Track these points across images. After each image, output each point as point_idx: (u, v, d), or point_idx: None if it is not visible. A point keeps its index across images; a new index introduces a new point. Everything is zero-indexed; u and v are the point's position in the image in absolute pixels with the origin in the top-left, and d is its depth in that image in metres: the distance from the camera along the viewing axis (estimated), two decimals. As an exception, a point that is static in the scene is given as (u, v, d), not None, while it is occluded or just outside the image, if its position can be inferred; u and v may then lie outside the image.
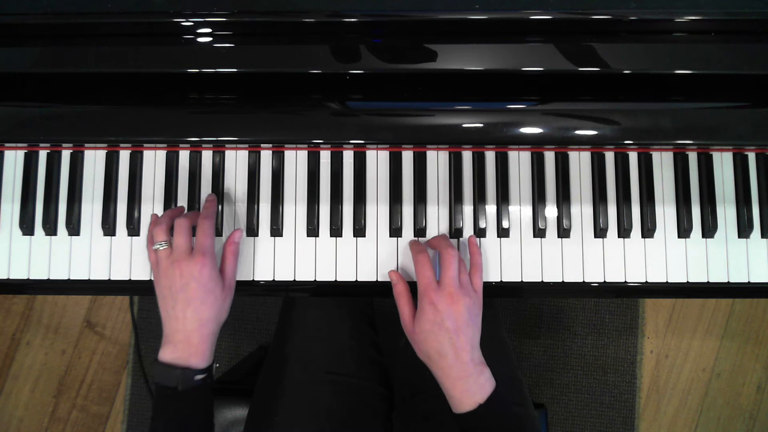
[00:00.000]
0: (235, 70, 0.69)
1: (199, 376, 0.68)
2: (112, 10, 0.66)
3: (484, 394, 0.66)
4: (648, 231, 0.80)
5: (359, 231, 0.80)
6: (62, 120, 0.73)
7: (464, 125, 0.72)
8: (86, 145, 0.81)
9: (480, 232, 0.80)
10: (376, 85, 0.73)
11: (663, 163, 0.81)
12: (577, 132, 0.72)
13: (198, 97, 0.73)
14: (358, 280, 0.80)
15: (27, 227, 0.80)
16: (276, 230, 0.80)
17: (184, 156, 0.81)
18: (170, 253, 0.70)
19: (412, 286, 0.74)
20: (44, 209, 0.81)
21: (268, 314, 1.58)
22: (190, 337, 0.68)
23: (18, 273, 0.80)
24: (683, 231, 0.80)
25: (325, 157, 0.81)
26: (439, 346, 0.67)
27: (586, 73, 0.69)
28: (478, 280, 0.73)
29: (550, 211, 0.81)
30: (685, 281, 0.80)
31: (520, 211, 0.81)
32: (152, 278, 0.80)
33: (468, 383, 0.67)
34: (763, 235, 0.81)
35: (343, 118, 0.72)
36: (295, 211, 0.81)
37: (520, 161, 0.81)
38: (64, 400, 1.60)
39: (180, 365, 0.67)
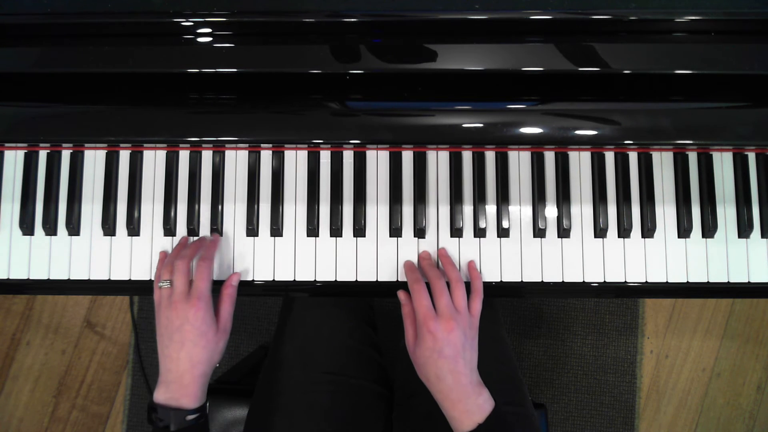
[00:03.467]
0: (235, 70, 0.69)
1: (190, 417, 0.69)
2: (112, 10, 0.66)
3: (483, 414, 0.68)
4: (648, 231, 0.80)
5: (359, 231, 0.80)
6: (62, 120, 0.73)
7: (464, 125, 0.72)
8: (86, 145, 0.81)
9: (480, 232, 0.80)
10: (376, 85, 0.73)
11: (663, 163, 0.81)
12: (577, 132, 0.72)
13: (198, 97, 0.73)
14: (358, 280, 0.80)
15: (27, 227, 0.80)
16: (276, 230, 0.80)
17: (184, 156, 0.81)
18: (171, 293, 0.72)
19: None
20: (44, 209, 0.81)
21: (268, 314, 1.58)
22: (182, 378, 0.70)
23: (18, 273, 0.80)
24: (683, 231, 0.80)
25: (325, 157, 0.81)
26: (438, 371, 0.69)
27: (586, 73, 0.69)
28: (477, 304, 0.75)
29: (550, 211, 0.81)
30: (685, 281, 0.80)
31: (520, 211, 0.81)
32: (153, 278, 0.80)
33: (467, 404, 0.68)
34: (763, 235, 0.81)
35: (343, 118, 0.72)
36: (295, 211, 0.81)
37: (520, 161, 0.81)
38: (64, 400, 1.60)
39: (172, 406, 0.69)
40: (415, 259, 0.80)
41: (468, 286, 0.77)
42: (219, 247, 0.80)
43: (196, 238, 0.80)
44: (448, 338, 0.69)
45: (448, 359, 0.69)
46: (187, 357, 0.70)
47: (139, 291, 0.81)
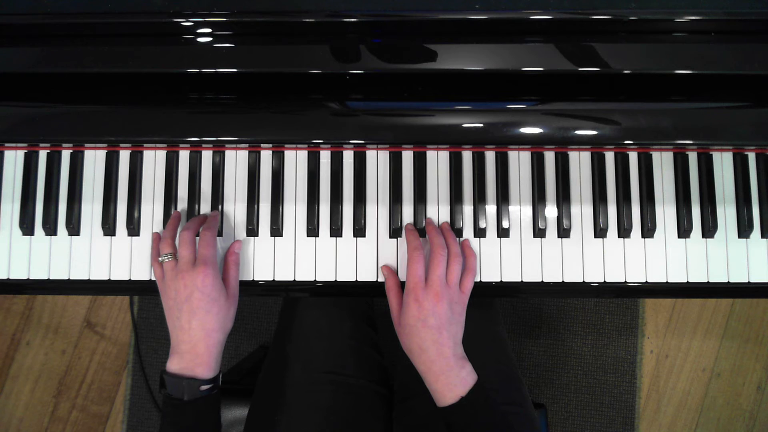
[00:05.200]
0: (235, 70, 0.69)
1: (205, 386, 0.69)
2: (112, 10, 0.66)
3: (465, 387, 0.68)
4: (648, 231, 0.80)
5: (359, 231, 0.80)
6: (62, 120, 0.73)
7: (464, 125, 0.72)
8: (86, 145, 0.81)
9: (480, 232, 0.80)
10: (376, 85, 0.73)
11: (663, 163, 0.81)
12: (577, 132, 0.72)
13: (198, 97, 0.73)
14: (358, 280, 0.80)
15: (27, 227, 0.80)
16: (276, 230, 0.80)
17: (184, 156, 0.81)
18: (175, 264, 0.72)
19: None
20: (44, 209, 0.81)
21: (268, 314, 1.58)
22: (196, 347, 0.69)
23: (18, 273, 0.80)
24: (683, 231, 0.80)
25: (325, 157, 0.81)
26: (421, 342, 0.70)
27: (586, 73, 0.69)
28: (468, 282, 0.75)
29: (550, 211, 0.81)
30: (685, 281, 0.80)
31: (520, 211, 0.81)
32: (153, 278, 0.80)
33: (449, 377, 0.69)
34: (763, 235, 0.81)
35: (343, 118, 0.72)
36: (295, 211, 0.81)
37: (520, 161, 0.81)
38: (64, 400, 1.60)
39: (186, 375, 0.68)
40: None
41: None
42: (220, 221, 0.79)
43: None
44: (434, 309, 0.70)
45: (432, 329, 0.69)
46: (200, 325, 0.69)
47: (139, 291, 0.81)
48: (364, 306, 0.98)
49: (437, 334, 0.69)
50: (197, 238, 0.76)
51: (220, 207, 0.80)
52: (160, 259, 0.73)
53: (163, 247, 0.74)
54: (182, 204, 0.81)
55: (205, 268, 0.70)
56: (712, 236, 0.80)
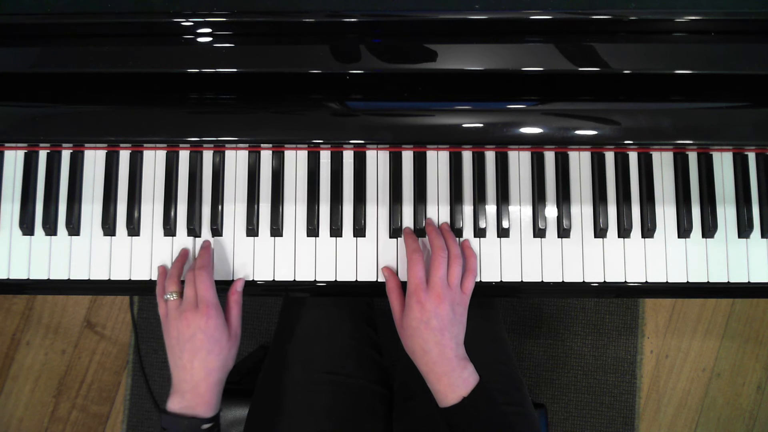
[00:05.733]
0: (235, 70, 0.69)
1: (205, 426, 0.69)
2: (112, 10, 0.66)
3: (467, 387, 0.68)
4: (648, 231, 0.80)
5: (359, 231, 0.80)
6: (62, 120, 0.73)
7: (464, 125, 0.72)
8: (86, 145, 0.81)
9: (480, 232, 0.80)
10: (376, 85, 0.73)
11: (663, 163, 0.81)
12: (577, 132, 0.72)
13: (198, 97, 0.73)
14: (358, 280, 0.80)
15: (27, 227, 0.80)
16: (276, 230, 0.80)
17: (184, 156, 0.81)
18: (179, 304, 0.72)
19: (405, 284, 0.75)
20: (44, 209, 0.81)
21: (268, 314, 1.58)
22: (197, 387, 0.69)
23: (18, 273, 0.80)
24: (683, 231, 0.80)
25: (325, 157, 0.81)
26: (423, 343, 0.70)
27: (586, 73, 0.69)
28: (469, 283, 0.75)
29: (550, 211, 0.81)
30: (685, 281, 0.80)
31: (520, 211, 0.81)
32: (153, 278, 0.80)
33: (452, 378, 0.69)
34: (763, 235, 0.81)
35: (343, 118, 0.72)
36: (295, 211, 0.81)
37: (520, 161, 0.81)
38: (64, 400, 1.60)
39: (187, 415, 0.69)
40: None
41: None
42: (213, 254, 0.79)
43: (195, 244, 0.80)
44: (437, 311, 0.70)
45: (434, 331, 0.69)
46: (202, 366, 0.69)
47: (139, 291, 0.81)
48: (364, 306, 0.98)
49: (439, 336, 0.69)
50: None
51: (220, 207, 0.80)
52: (165, 297, 0.73)
53: (168, 284, 0.74)
54: (182, 204, 0.81)
55: (208, 310, 0.71)
56: (712, 236, 0.80)
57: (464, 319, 0.73)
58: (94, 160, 0.82)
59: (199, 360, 0.69)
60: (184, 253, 0.79)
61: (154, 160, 0.82)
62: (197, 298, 0.72)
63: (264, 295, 0.82)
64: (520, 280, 0.80)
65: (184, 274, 0.77)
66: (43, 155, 0.82)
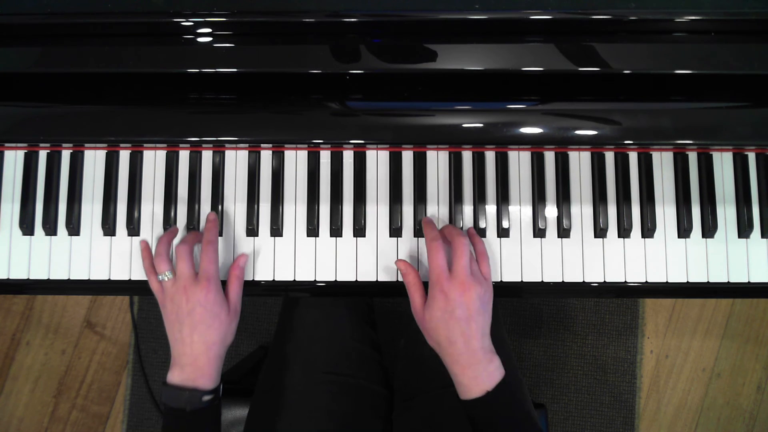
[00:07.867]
0: (235, 70, 0.69)
1: (206, 397, 0.69)
2: (112, 10, 0.66)
3: (492, 381, 0.66)
4: (648, 231, 0.80)
5: (359, 231, 0.80)
6: (62, 120, 0.73)
7: (464, 125, 0.72)
8: (86, 145, 0.81)
9: (480, 232, 0.80)
10: (376, 85, 0.73)
11: (663, 163, 0.81)
12: (577, 132, 0.72)
13: (198, 97, 0.73)
14: (358, 280, 0.80)
15: (27, 227, 0.80)
16: (276, 230, 0.80)
17: (184, 156, 0.81)
18: (174, 281, 0.72)
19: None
20: (44, 209, 0.81)
21: (268, 314, 1.58)
22: (197, 360, 0.69)
23: (18, 273, 0.80)
24: (683, 231, 0.80)
25: (325, 157, 0.81)
26: (449, 334, 0.67)
27: (586, 73, 0.69)
28: (485, 267, 0.73)
29: (550, 211, 0.81)
30: (685, 281, 0.80)
31: (520, 211, 0.81)
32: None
33: (477, 370, 0.67)
34: (763, 235, 0.81)
35: (343, 118, 0.72)
36: (295, 211, 0.81)
37: (520, 161, 0.81)
38: (64, 400, 1.60)
39: (188, 387, 0.69)
40: (415, 262, 0.80)
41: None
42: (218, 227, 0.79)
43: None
44: (462, 299, 0.67)
45: (460, 321, 0.67)
46: (201, 339, 0.69)
47: (139, 291, 0.81)
48: (364, 306, 0.98)
49: (465, 326, 0.67)
50: (195, 248, 0.75)
51: (220, 207, 0.80)
52: (159, 278, 0.73)
53: (159, 264, 0.73)
54: (182, 204, 0.81)
55: (207, 284, 0.71)
56: (712, 236, 0.80)
57: (490, 308, 0.71)
58: (94, 160, 0.82)
59: (198, 334, 0.69)
60: (173, 230, 0.79)
61: (154, 160, 0.82)
62: (195, 271, 0.72)
63: (264, 295, 0.82)
64: (520, 280, 0.80)
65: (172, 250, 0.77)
66: (43, 155, 0.82)
